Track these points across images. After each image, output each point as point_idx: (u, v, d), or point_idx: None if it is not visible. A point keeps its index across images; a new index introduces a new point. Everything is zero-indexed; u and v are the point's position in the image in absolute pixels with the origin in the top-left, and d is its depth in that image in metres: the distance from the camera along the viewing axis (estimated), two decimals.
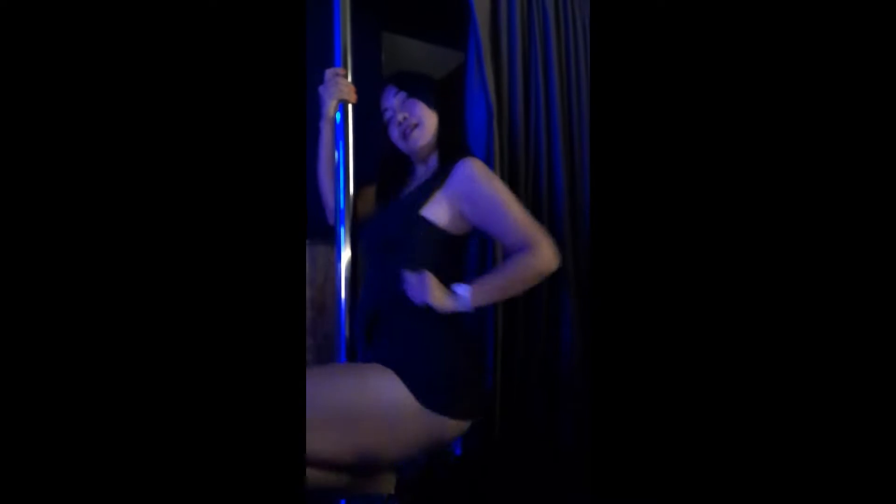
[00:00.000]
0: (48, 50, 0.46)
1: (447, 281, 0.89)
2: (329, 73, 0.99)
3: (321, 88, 0.99)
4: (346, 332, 0.97)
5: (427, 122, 0.97)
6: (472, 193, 0.89)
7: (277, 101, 0.52)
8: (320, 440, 0.76)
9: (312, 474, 0.78)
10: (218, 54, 0.50)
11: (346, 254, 0.98)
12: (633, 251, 0.52)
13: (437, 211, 0.90)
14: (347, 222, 0.98)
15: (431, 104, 0.98)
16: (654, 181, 0.51)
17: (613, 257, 0.53)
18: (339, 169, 0.98)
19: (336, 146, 0.99)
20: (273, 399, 0.49)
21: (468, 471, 1.01)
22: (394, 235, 0.92)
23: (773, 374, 0.47)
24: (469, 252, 1.19)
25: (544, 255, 0.85)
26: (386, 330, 0.90)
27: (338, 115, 0.99)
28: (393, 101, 0.99)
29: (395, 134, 0.99)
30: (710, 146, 0.50)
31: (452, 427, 0.84)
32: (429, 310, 0.86)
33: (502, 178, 1.27)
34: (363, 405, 0.80)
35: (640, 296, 0.51)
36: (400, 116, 0.97)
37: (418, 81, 1.00)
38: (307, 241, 1.17)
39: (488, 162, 1.23)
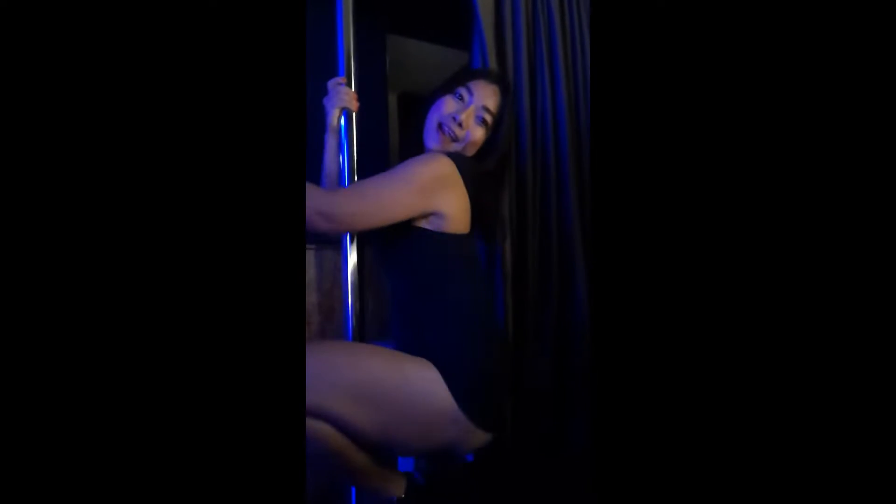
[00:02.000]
0: (47, 50, 0.46)
1: (451, 282, 0.87)
2: (332, 83, 0.99)
3: (325, 99, 0.99)
4: (353, 336, 0.97)
5: (467, 150, 0.95)
6: None
7: (277, 106, 0.52)
8: (353, 410, 0.77)
9: (333, 438, 0.79)
10: (219, 61, 0.50)
11: (352, 259, 0.99)
12: (636, 252, 0.51)
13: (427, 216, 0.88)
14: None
15: (484, 145, 0.96)
16: (656, 182, 0.51)
17: (616, 259, 0.52)
18: (343, 175, 0.99)
19: (340, 151, 0.99)
20: (273, 401, 0.49)
21: (479, 476, 1.01)
22: (392, 247, 0.91)
23: (787, 378, 0.46)
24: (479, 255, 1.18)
25: (332, 205, 0.83)
26: (420, 329, 0.88)
27: (341, 124, 0.99)
28: (477, 102, 0.94)
29: (442, 109, 0.95)
30: (711, 141, 0.49)
31: (475, 437, 0.84)
32: (462, 308, 0.85)
33: (509, 176, 1.25)
34: (403, 392, 0.80)
35: (642, 297, 0.50)
36: (462, 118, 0.93)
37: (503, 122, 0.97)
38: (314, 247, 1.18)
39: None
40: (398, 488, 0.89)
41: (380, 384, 0.80)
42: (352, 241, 0.99)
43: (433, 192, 0.84)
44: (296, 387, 0.51)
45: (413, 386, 0.81)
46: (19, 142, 0.45)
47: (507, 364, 0.92)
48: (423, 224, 0.87)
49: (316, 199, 0.80)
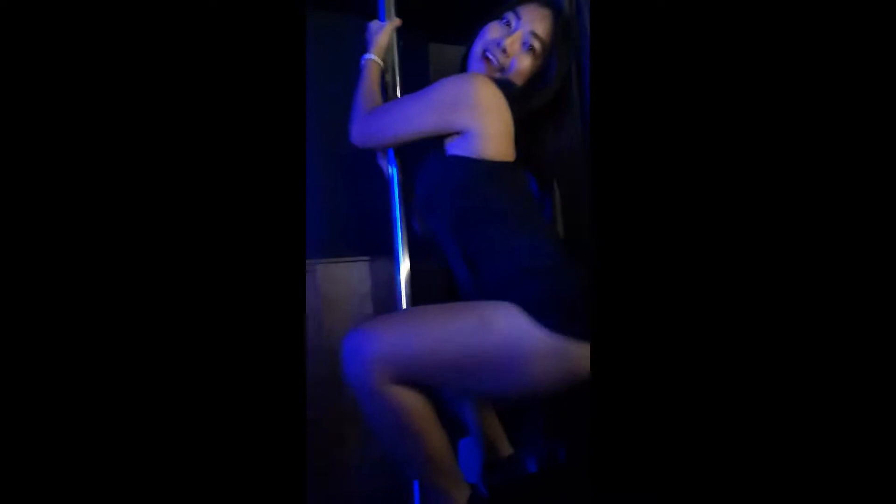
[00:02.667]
0: (47, 51, 0.45)
1: (496, 214, 0.80)
2: None
3: None
4: None
5: (514, 80, 0.86)
6: None
7: (278, 113, 0.51)
8: (450, 383, 0.75)
9: (419, 415, 0.76)
10: (219, 71, 0.49)
11: (404, 267, 0.99)
12: (639, 252, 0.50)
13: (459, 141, 0.81)
14: (405, 238, 0.98)
15: (532, 75, 0.87)
16: (658, 184, 0.49)
17: (616, 260, 0.50)
18: (393, 186, 0.99)
19: (390, 162, 1.00)
20: (274, 412, 0.49)
21: (543, 491, 0.98)
22: (435, 189, 0.85)
23: (784, 374, 0.45)
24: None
25: (357, 124, 0.88)
26: (487, 274, 0.82)
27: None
28: (524, 27, 0.86)
29: (487, 35, 0.88)
30: (708, 133, 0.48)
31: (585, 351, 0.76)
32: (515, 240, 0.79)
33: (567, 111, 1.17)
34: (490, 344, 0.73)
35: (643, 298, 0.49)
36: (506, 44, 0.85)
37: (555, 51, 0.86)
38: (368, 258, 1.19)
39: None
40: (461, 496, 0.87)
41: (465, 348, 0.74)
42: (404, 251, 1.00)
43: (455, 109, 0.79)
44: (296, 396, 0.50)
45: (497, 333, 0.73)
46: (18, 142, 0.45)
47: (581, 273, 0.80)
48: (457, 150, 0.81)
49: (357, 114, 0.87)
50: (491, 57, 0.87)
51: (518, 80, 0.87)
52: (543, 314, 0.73)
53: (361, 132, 0.87)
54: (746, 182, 0.46)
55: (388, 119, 0.85)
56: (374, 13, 1.01)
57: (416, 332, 0.76)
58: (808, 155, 0.45)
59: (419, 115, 0.81)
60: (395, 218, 0.99)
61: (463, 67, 0.94)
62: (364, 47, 0.99)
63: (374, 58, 0.94)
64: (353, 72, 1.00)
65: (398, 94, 1.01)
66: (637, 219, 0.49)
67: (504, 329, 0.73)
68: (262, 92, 0.50)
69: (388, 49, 0.98)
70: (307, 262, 1.13)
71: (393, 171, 1.00)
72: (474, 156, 0.80)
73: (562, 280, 0.77)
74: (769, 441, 0.45)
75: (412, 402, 0.76)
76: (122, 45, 0.47)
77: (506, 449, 1.00)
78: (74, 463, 0.45)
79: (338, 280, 1.16)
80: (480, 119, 0.79)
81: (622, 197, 0.50)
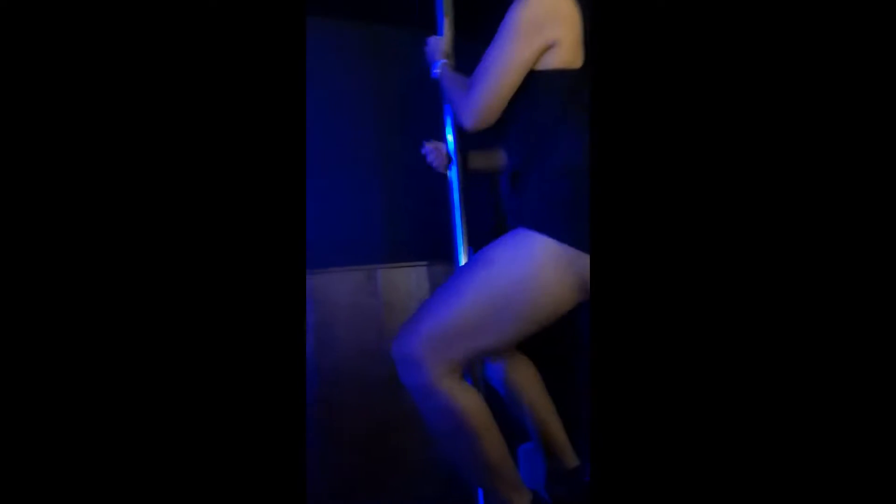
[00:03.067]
0: (47, 52, 0.45)
1: (551, 125, 0.80)
2: (428, 147, 1.03)
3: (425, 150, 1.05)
4: None
5: None
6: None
7: (278, 120, 0.51)
8: (491, 337, 0.77)
9: (477, 415, 0.77)
10: (221, 80, 0.49)
11: None
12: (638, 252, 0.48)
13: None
14: (464, 243, 0.99)
15: None
16: (659, 186, 0.48)
17: (616, 261, 0.49)
18: (453, 192, 1.00)
19: (449, 167, 1.01)
20: (274, 418, 0.48)
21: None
22: (509, 106, 0.84)
23: (784, 376, 0.44)
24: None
25: (464, 107, 0.84)
26: (520, 189, 0.84)
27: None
28: None
29: None
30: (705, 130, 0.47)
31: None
32: (573, 155, 0.79)
33: None
34: (512, 274, 0.76)
35: (643, 302, 0.48)
36: None
37: None
38: (426, 263, 1.20)
39: None
40: (523, 502, 0.86)
41: (491, 297, 0.77)
42: (463, 255, 1.00)
43: (538, 30, 0.78)
44: (296, 400, 0.50)
45: (508, 264, 0.77)
46: (17, 142, 0.45)
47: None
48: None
49: (458, 101, 0.87)
50: None
51: None
52: (551, 228, 0.76)
53: (470, 111, 0.84)
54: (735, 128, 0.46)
55: (484, 83, 0.81)
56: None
57: (444, 309, 0.79)
58: (800, 136, 0.45)
59: (510, 59, 0.79)
60: (455, 223, 0.99)
61: None
62: (423, 61, 1.03)
63: (444, 61, 0.99)
64: (411, 81, 1.01)
65: None
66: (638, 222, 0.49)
67: (516, 255, 0.77)
68: (263, 99, 0.50)
69: (450, 56, 1.01)
70: (369, 267, 1.16)
71: (453, 177, 1.00)
72: (548, 68, 0.80)
73: (576, 194, 0.78)
74: (771, 430, 0.44)
75: (468, 402, 0.77)
76: (124, 50, 0.47)
77: (572, 460, 0.98)
78: (81, 465, 0.45)
79: (398, 284, 1.18)
80: (558, 31, 0.78)
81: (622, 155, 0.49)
